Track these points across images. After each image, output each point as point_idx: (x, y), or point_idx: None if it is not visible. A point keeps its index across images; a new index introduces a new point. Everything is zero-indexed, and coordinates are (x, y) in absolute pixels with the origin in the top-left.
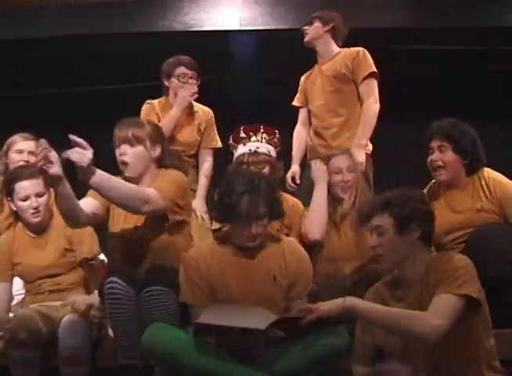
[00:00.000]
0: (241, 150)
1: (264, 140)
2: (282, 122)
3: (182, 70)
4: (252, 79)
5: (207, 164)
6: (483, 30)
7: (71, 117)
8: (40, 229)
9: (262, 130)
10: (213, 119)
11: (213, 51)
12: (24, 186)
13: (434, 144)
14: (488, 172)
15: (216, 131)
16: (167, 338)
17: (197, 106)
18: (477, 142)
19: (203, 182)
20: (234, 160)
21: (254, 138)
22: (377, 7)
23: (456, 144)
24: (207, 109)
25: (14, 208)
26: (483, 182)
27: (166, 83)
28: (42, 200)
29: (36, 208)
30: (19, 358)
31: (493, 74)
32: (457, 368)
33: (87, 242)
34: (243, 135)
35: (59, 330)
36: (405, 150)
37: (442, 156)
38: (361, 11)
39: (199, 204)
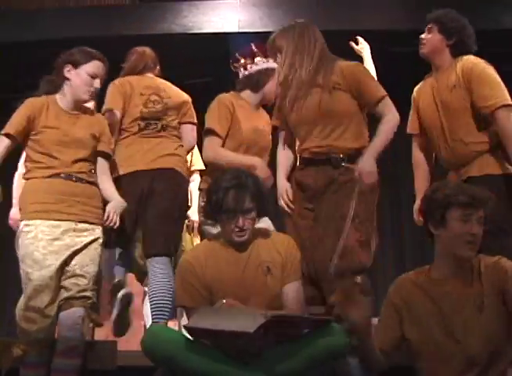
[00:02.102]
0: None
1: None
2: None
3: None
4: None
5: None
6: (483, 31)
7: None
8: (75, 107)
9: None
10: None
11: (212, 53)
12: (99, 66)
13: (426, 27)
14: (468, 59)
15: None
16: (167, 340)
17: None
18: (467, 28)
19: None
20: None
21: None
22: (375, 8)
23: (442, 25)
24: None
25: (66, 75)
26: (462, 64)
27: None
28: (98, 84)
29: (92, 87)
30: (30, 358)
31: None
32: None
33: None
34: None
35: (59, 317)
36: (405, 151)
37: (428, 35)
38: (358, 12)
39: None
